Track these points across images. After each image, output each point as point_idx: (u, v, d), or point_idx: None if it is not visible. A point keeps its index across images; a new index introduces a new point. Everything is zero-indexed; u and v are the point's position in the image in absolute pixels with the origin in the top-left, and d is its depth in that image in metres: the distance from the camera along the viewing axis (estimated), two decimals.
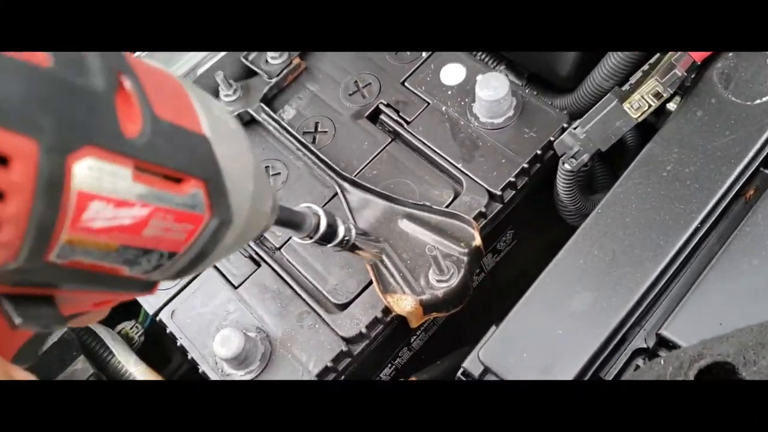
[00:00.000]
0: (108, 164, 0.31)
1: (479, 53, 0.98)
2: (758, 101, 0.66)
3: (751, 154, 0.65)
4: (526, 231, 0.90)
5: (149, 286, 0.40)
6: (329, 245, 0.64)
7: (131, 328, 1.07)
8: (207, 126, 0.37)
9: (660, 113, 0.78)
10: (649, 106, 0.69)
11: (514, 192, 0.79)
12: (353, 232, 0.67)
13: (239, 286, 0.79)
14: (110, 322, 1.06)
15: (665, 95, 0.68)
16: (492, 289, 0.91)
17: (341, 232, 0.64)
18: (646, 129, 0.80)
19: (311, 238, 0.61)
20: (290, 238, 0.81)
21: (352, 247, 0.68)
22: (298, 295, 0.77)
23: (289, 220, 0.58)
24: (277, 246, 0.81)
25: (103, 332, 1.00)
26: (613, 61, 0.82)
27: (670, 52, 0.72)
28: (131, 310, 1.03)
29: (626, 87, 0.72)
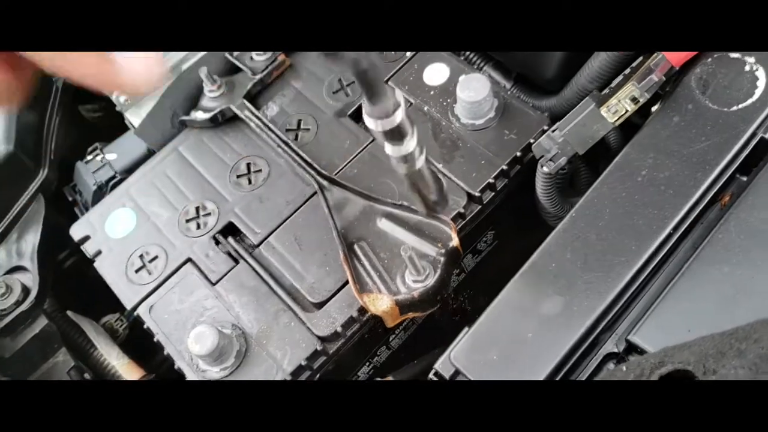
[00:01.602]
0: None
1: (467, 53, 0.98)
2: (735, 108, 0.66)
3: (726, 161, 0.65)
4: (507, 232, 0.90)
5: None
6: (394, 150, 0.57)
7: (116, 321, 1.08)
8: None
9: (646, 115, 0.77)
10: (626, 110, 0.68)
11: (493, 193, 0.79)
12: (424, 154, 0.60)
13: (217, 282, 0.80)
14: (95, 314, 1.06)
15: (642, 100, 0.68)
16: (472, 288, 0.91)
17: (412, 140, 0.57)
18: (631, 130, 0.80)
19: (388, 116, 0.52)
20: (269, 235, 0.81)
21: (418, 174, 0.61)
22: (275, 292, 0.77)
23: (373, 83, 0.50)
24: (256, 243, 0.81)
25: (86, 325, 1.01)
26: (597, 63, 0.82)
27: (649, 58, 0.72)
28: (116, 302, 1.04)
29: (606, 91, 0.72)
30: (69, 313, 1.00)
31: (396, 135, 0.55)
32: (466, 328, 0.66)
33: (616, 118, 0.69)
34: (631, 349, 0.61)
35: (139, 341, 1.06)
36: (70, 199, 0.97)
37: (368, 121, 0.53)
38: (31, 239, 0.91)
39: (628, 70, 0.77)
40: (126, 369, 0.96)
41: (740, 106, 0.66)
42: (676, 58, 0.68)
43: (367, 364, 0.86)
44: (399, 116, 0.53)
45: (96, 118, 1.15)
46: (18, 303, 0.87)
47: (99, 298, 1.06)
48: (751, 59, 0.67)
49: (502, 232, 0.89)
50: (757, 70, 0.67)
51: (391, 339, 0.86)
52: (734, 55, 0.68)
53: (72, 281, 1.06)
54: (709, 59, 0.69)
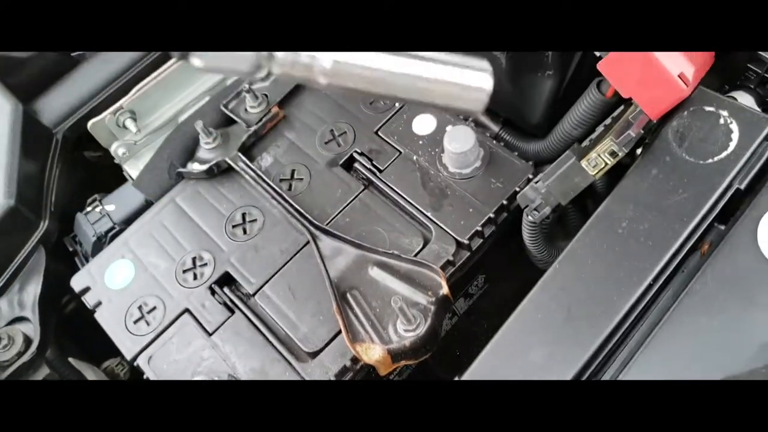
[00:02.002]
0: None
1: None
2: (710, 160, 0.68)
3: (703, 211, 0.67)
4: (498, 274, 0.92)
5: None
6: None
7: (117, 365, 1.10)
8: None
9: (634, 156, 0.79)
10: (606, 164, 0.71)
11: (481, 240, 0.82)
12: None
13: (213, 332, 0.82)
14: (95, 360, 1.08)
15: (621, 154, 0.70)
16: (467, 329, 0.93)
17: None
18: (619, 172, 0.82)
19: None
20: (264, 284, 0.83)
21: None
22: (270, 342, 0.79)
23: None
24: (251, 293, 0.83)
25: (87, 370, 1.03)
26: (580, 110, 0.84)
27: (629, 109, 0.74)
28: (116, 347, 1.06)
29: (586, 143, 0.75)
30: (71, 359, 1.02)
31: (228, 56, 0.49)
32: (456, 378, 0.68)
33: (596, 171, 0.71)
34: None
35: None
36: (71, 249, 0.99)
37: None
38: (33, 290, 0.93)
39: (609, 120, 0.79)
40: None
41: (716, 158, 0.68)
42: (654, 111, 0.71)
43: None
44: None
45: (96, 158, 1.18)
46: (20, 354, 0.89)
47: (99, 342, 1.08)
48: (725, 113, 0.70)
49: (493, 274, 0.92)
50: (731, 123, 0.69)
51: None
52: (709, 108, 0.70)
53: (72, 326, 1.08)
54: (685, 112, 0.71)
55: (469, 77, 0.51)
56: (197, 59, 0.46)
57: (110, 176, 1.10)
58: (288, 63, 0.47)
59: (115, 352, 1.10)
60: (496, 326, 0.68)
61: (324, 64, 0.47)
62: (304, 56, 0.46)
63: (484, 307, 0.94)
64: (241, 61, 0.46)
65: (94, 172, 1.14)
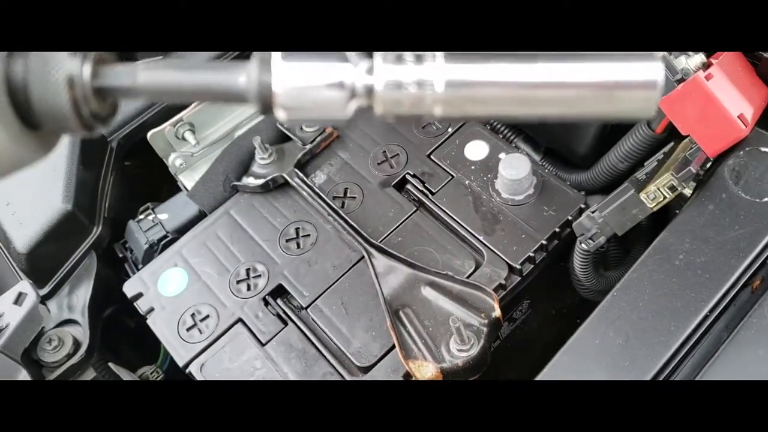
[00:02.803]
0: None
1: (502, 129, 1.03)
2: (766, 199, 0.71)
3: (759, 248, 0.69)
4: (540, 300, 0.94)
5: None
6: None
7: (152, 373, 1.11)
8: None
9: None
10: (665, 197, 0.73)
11: (532, 266, 0.84)
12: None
13: (266, 343, 0.83)
14: (131, 363, 1.09)
15: (680, 189, 0.73)
16: (504, 354, 0.95)
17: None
18: (659, 210, 0.85)
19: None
20: (317, 298, 0.85)
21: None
22: (323, 355, 0.81)
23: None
24: (304, 305, 0.85)
25: (125, 376, 1.04)
26: (629, 144, 0.87)
27: (683, 144, 0.77)
28: (150, 354, 1.07)
29: (642, 176, 0.77)
30: (111, 365, 1.03)
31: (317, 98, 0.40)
32: None
33: (654, 204, 0.73)
34: None
35: None
36: (120, 255, 1.01)
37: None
38: (83, 294, 0.95)
39: (661, 155, 0.82)
40: None
41: None
42: (711, 149, 0.73)
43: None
44: (281, 92, 0.39)
45: (138, 172, 1.20)
46: (69, 356, 0.90)
47: (134, 348, 1.10)
48: None
49: (535, 299, 0.94)
50: None
51: None
52: (765, 149, 0.73)
53: (111, 332, 1.10)
54: (741, 152, 0.74)
55: (637, 71, 0.39)
56: (282, 113, 0.38)
57: (151, 185, 1.12)
58: (392, 99, 0.38)
59: (148, 360, 1.12)
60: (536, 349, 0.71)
61: (438, 90, 0.37)
62: (411, 86, 0.37)
63: (525, 331, 0.96)
64: (334, 108, 0.38)
65: (133, 183, 1.17)
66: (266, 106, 0.38)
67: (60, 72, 0.38)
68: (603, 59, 0.38)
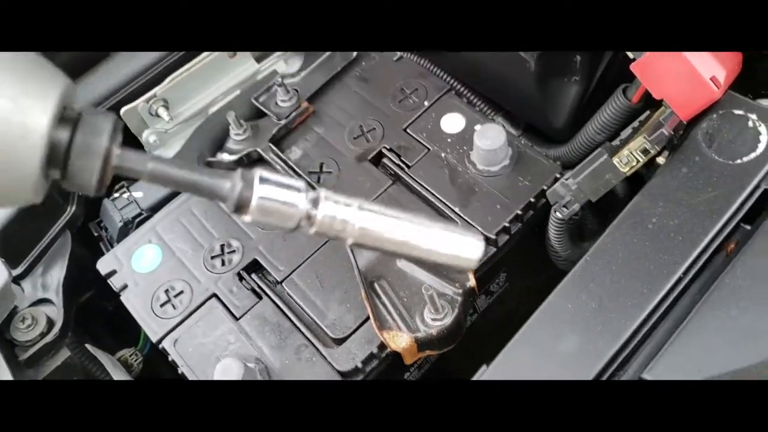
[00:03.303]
0: None
1: (479, 103, 1.02)
2: (739, 161, 0.70)
3: (732, 210, 0.68)
4: (517, 273, 0.93)
5: None
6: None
7: (131, 355, 1.10)
8: None
9: (650, 165, 0.82)
10: (638, 161, 0.73)
11: (508, 237, 0.83)
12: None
13: (241, 317, 0.82)
14: (109, 346, 1.08)
15: (652, 152, 0.72)
16: (483, 329, 0.94)
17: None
18: (636, 180, 0.84)
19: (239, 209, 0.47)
20: (292, 272, 0.84)
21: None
22: (297, 328, 0.80)
23: (184, 182, 0.47)
24: (279, 280, 0.84)
25: (103, 358, 1.03)
26: (605, 115, 0.86)
27: (658, 111, 0.76)
28: (130, 337, 1.06)
29: (616, 142, 0.77)
30: (88, 346, 1.02)
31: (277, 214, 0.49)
32: (484, 366, 0.69)
33: (627, 168, 0.73)
34: None
35: (153, 376, 1.08)
36: (96, 234, 1.00)
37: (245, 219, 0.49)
38: (57, 273, 0.94)
39: (636, 123, 0.82)
40: None
41: (744, 159, 0.70)
42: (685, 112, 0.73)
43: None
44: (255, 205, 0.47)
45: None
46: (42, 335, 0.89)
47: (113, 331, 1.09)
48: (753, 116, 0.72)
49: (513, 273, 0.93)
50: (759, 126, 0.71)
51: (406, 376, 0.89)
52: (738, 111, 0.73)
53: (89, 315, 1.09)
54: (714, 115, 0.73)
55: (467, 247, 0.55)
56: (248, 217, 0.48)
57: None
58: (325, 225, 0.50)
59: (128, 342, 1.11)
60: (515, 324, 0.70)
61: (354, 230, 0.51)
62: (338, 223, 0.50)
63: (504, 305, 0.95)
64: (287, 219, 0.49)
65: None
66: (240, 209, 0.48)
67: (101, 149, 0.43)
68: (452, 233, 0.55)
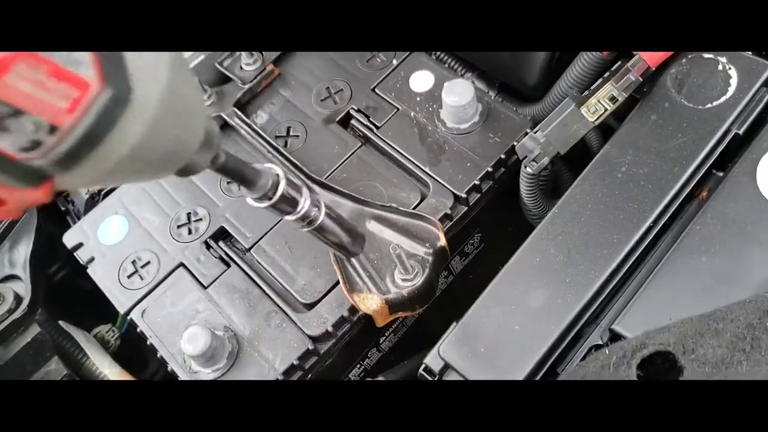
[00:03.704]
0: None
1: (451, 62, 1.00)
2: (709, 105, 0.68)
3: (702, 156, 0.67)
4: (493, 235, 0.92)
5: (30, 178, 0.33)
6: (290, 216, 0.60)
7: (107, 332, 1.09)
8: None
9: (624, 118, 0.80)
10: (606, 109, 0.71)
11: (479, 195, 0.81)
12: (323, 212, 0.63)
13: (209, 286, 0.81)
14: (87, 324, 1.07)
15: (620, 99, 0.70)
16: (461, 291, 0.92)
17: (304, 204, 0.60)
18: (611, 133, 0.83)
19: (269, 199, 0.56)
20: (260, 239, 0.82)
21: (318, 229, 0.65)
22: (267, 294, 0.79)
23: (239, 172, 0.54)
24: (247, 247, 0.82)
25: (78, 334, 1.01)
26: (577, 68, 0.84)
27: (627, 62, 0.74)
28: (108, 314, 1.04)
29: (586, 92, 0.75)
30: (61, 323, 1.01)
31: (286, 205, 0.58)
32: (454, 323, 0.68)
33: (595, 117, 0.71)
34: (615, 338, 0.63)
35: (130, 351, 1.06)
36: (63, 209, 0.98)
37: (252, 203, 0.58)
38: (24, 249, 0.92)
39: (607, 74, 0.79)
40: (118, 377, 0.96)
41: (714, 103, 0.68)
42: (653, 58, 0.71)
43: (358, 366, 0.87)
44: (280, 190, 0.57)
45: None
46: (10, 311, 0.88)
47: (91, 310, 1.07)
48: (723, 59, 0.70)
49: (489, 234, 0.91)
50: (729, 69, 0.69)
51: (381, 341, 0.87)
52: (707, 55, 0.71)
53: (63, 293, 1.07)
54: (684, 60, 0.71)
55: None
56: (267, 202, 0.58)
57: None
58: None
59: (105, 319, 1.10)
60: None
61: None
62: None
63: (481, 269, 0.94)
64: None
65: None
66: (268, 196, 0.57)
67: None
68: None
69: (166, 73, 0.36)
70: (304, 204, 0.61)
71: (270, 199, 0.56)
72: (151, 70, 0.35)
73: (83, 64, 0.31)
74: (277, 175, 0.56)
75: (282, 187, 0.57)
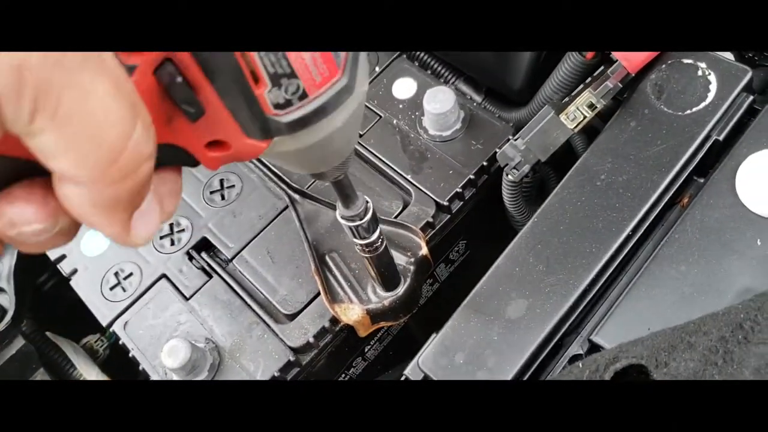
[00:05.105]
0: None
1: (437, 67, 0.99)
2: (689, 111, 0.68)
3: (681, 162, 0.66)
4: (479, 241, 0.91)
5: (264, 132, 0.39)
6: (363, 240, 0.64)
7: (96, 342, 1.08)
8: None
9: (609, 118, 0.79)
10: (584, 117, 0.70)
11: (461, 203, 0.81)
12: (385, 241, 0.67)
13: (191, 297, 0.80)
14: (75, 335, 1.07)
15: (599, 106, 0.70)
16: (447, 299, 0.92)
17: (378, 231, 0.64)
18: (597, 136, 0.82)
19: (360, 219, 0.61)
20: (242, 249, 0.82)
21: (378, 256, 0.68)
22: (248, 305, 0.78)
23: (348, 190, 0.58)
24: (230, 257, 0.82)
25: (65, 345, 1.01)
26: (560, 74, 0.84)
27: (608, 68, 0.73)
28: (97, 323, 1.04)
29: (566, 99, 0.74)
30: (48, 333, 1.01)
31: (367, 228, 0.63)
32: (434, 334, 0.67)
33: (575, 124, 0.70)
34: (594, 349, 0.62)
35: (120, 361, 1.06)
36: None
37: (343, 221, 0.61)
38: (8, 261, 0.92)
39: (588, 80, 0.79)
40: None
41: (694, 109, 0.68)
42: (632, 64, 0.70)
43: (343, 375, 0.86)
44: (369, 214, 0.61)
45: None
46: None
47: (79, 319, 1.07)
48: (703, 64, 0.69)
49: (475, 241, 0.91)
50: (709, 74, 0.69)
51: (366, 350, 0.87)
52: (687, 60, 0.70)
53: (51, 303, 1.07)
54: (663, 65, 0.71)
55: None
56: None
57: None
58: None
59: (94, 328, 1.09)
60: None
61: None
62: None
63: (467, 276, 0.93)
64: None
65: None
66: (360, 216, 0.61)
67: None
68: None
69: (368, 78, 0.43)
70: (378, 231, 0.64)
71: (361, 219, 0.60)
72: (365, 73, 0.42)
73: (340, 56, 0.39)
74: (368, 201, 0.61)
75: (371, 212, 0.61)
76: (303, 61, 0.36)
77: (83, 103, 0.28)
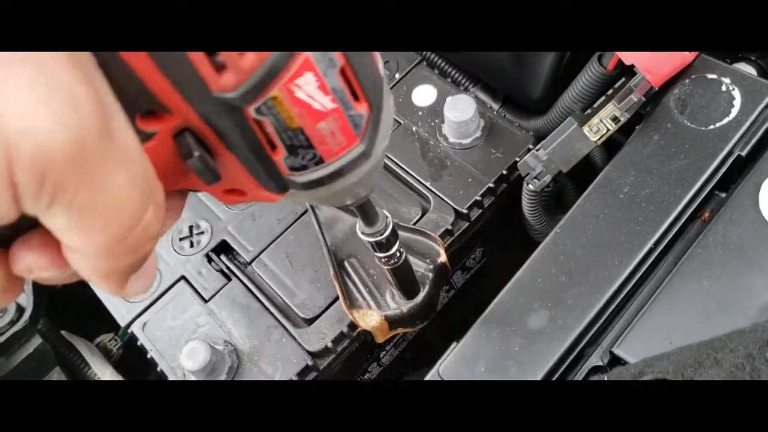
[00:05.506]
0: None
1: (455, 74, 1.00)
2: (712, 126, 0.68)
3: (704, 177, 0.66)
4: (496, 249, 0.92)
5: (279, 189, 0.41)
6: (383, 253, 0.66)
7: (109, 341, 1.09)
8: (381, 69, 0.41)
9: (630, 134, 0.79)
10: (608, 129, 0.70)
11: (480, 210, 0.81)
12: (404, 253, 0.68)
13: (209, 299, 0.81)
14: (89, 334, 1.07)
15: (622, 119, 0.70)
16: (463, 305, 0.92)
17: (397, 244, 0.66)
18: (615, 149, 0.82)
19: (381, 235, 0.62)
20: (262, 252, 0.82)
21: (398, 267, 0.69)
22: (267, 309, 0.79)
23: (372, 211, 0.60)
24: (248, 260, 0.82)
25: (80, 344, 1.02)
26: (581, 84, 0.84)
27: (630, 80, 0.74)
28: (110, 322, 1.05)
29: (588, 111, 0.74)
30: (63, 332, 1.01)
31: (388, 243, 0.64)
32: (454, 343, 0.68)
33: (598, 137, 0.71)
34: (615, 361, 0.63)
35: (133, 361, 1.07)
36: None
37: (362, 236, 0.63)
38: None
39: (610, 91, 0.79)
40: None
41: (717, 125, 0.68)
42: (655, 78, 0.70)
43: (359, 380, 0.87)
44: (389, 230, 0.62)
45: None
46: (12, 322, 0.88)
47: (93, 319, 1.07)
48: (727, 80, 0.70)
49: (491, 249, 0.91)
50: (733, 90, 0.69)
51: (381, 356, 0.87)
52: (711, 75, 0.70)
53: (66, 302, 1.07)
54: (687, 80, 0.71)
55: None
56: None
57: None
58: None
59: (108, 328, 1.10)
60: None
61: None
62: None
63: (482, 283, 0.94)
64: None
65: None
66: (381, 232, 0.62)
67: None
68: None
69: (388, 136, 0.44)
70: (397, 244, 0.66)
71: (382, 234, 0.62)
72: (385, 136, 0.43)
73: (360, 126, 0.39)
74: (387, 217, 0.62)
75: (390, 227, 0.62)
76: (320, 133, 0.38)
77: (99, 195, 0.29)
